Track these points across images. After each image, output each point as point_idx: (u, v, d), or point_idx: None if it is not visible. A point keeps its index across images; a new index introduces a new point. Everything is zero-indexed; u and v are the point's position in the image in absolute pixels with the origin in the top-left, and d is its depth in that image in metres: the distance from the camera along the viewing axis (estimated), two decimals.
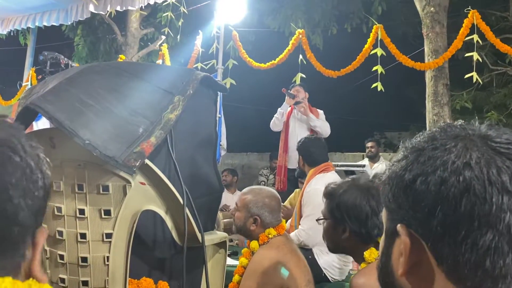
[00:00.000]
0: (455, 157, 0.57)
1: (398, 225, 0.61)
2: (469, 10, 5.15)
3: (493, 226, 0.54)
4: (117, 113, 1.62)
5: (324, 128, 4.64)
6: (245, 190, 2.24)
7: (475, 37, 5.01)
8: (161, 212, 1.69)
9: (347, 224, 1.57)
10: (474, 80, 5.09)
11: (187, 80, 1.83)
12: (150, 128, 1.63)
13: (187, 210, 1.69)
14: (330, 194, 1.65)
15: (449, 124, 0.63)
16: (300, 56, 5.51)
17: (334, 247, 1.68)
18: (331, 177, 3.00)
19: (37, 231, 0.63)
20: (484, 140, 0.59)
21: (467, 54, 5.42)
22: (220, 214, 4.24)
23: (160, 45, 7.25)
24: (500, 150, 0.57)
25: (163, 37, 7.71)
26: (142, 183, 1.63)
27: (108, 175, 1.58)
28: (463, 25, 5.11)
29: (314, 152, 3.25)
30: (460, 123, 0.63)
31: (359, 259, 1.60)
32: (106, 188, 1.58)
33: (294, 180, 4.43)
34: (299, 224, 3.12)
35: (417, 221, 0.59)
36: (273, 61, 5.70)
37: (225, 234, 2.02)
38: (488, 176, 0.55)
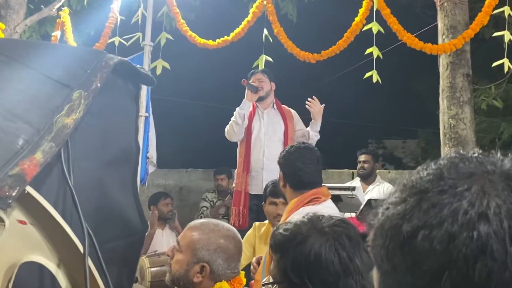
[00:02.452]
0: (468, 205, 0.60)
1: None
2: None
3: None
4: None
5: (315, 141, 4.80)
6: (193, 223, 2.24)
7: (507, 9, 5.21)
8: (51, 265, 1.68)
9: None
10: (506, 69, 5.28)
11: (93, 67, 1.84)
12: (35, 139, 1.63)
13: (90, 262, 1.68)
14: (280, 245, 1.61)
15: (462, 157, 0.66)
16: (265, 31, 5.58)
17: None
18: (322, 212, 2.96)
19: None
20: (507, 180, 0.62)
21: (496, 34, 5.64)
22: (145, 261, 4.19)
23: (59, 9, 7.13)
24: None
25: None
26: (21, 222, 1.62)
27: None
28: None
29: (301, 169, 3.12)
30: (476, 155, 0.66)
31: None
32: None
33: (258, 211, 4.42)
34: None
35: None
36: (226, 36, 5.73)
37: None
38: (510, 233, 0.58)
